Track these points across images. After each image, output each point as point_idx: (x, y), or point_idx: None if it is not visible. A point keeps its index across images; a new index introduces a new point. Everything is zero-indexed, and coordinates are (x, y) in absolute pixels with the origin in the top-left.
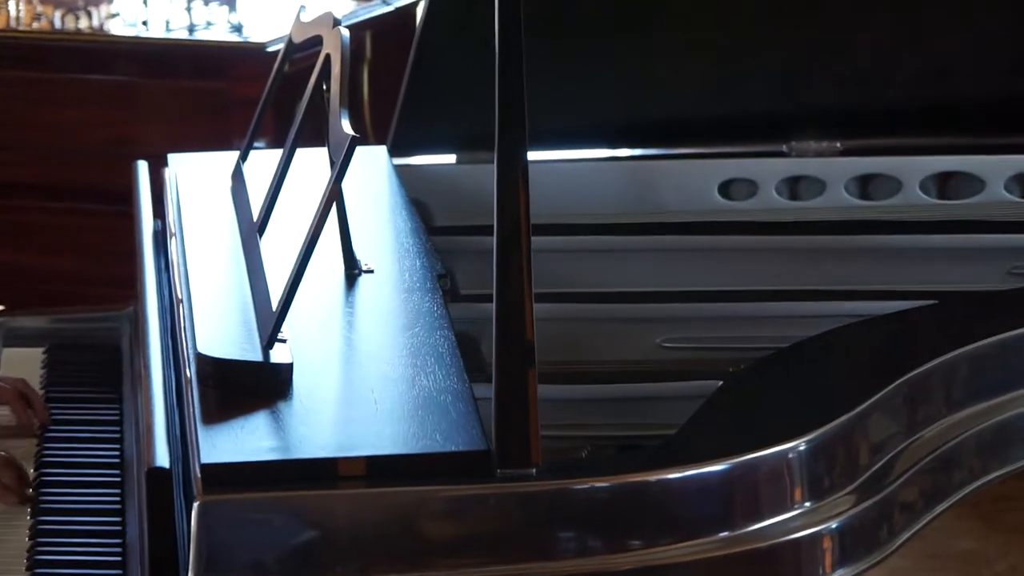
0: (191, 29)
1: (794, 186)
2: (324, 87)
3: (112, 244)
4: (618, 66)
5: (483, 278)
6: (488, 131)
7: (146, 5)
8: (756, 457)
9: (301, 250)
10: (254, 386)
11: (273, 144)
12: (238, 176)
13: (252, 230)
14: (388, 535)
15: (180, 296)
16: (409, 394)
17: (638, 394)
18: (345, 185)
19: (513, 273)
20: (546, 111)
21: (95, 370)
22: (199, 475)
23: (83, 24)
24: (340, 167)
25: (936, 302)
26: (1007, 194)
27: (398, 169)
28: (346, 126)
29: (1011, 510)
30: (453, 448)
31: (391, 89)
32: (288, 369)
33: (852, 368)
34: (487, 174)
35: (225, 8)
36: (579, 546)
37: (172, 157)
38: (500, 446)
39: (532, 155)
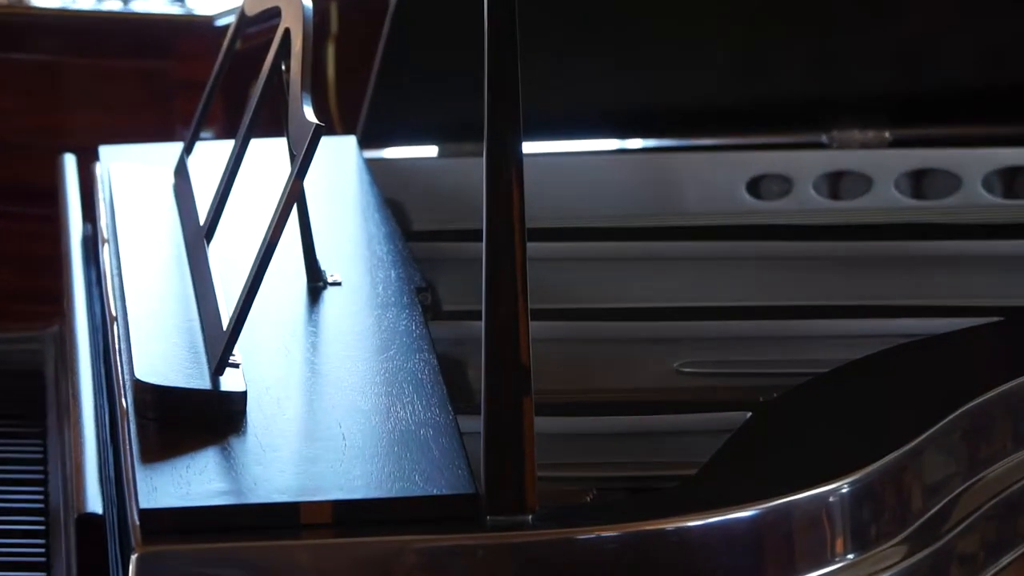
0: None
1: (835, 183)
2: (283, 67)
3: (34, 252)
4: (629, 43)
5: (470, 292)
6: (475, 119)
7: None
8: (791, 501)
9: (256, 259)
10: (202, 418)
11: (223, 134)
12: (182, 172)
13: (199, 235)
14: None
15: (114, 313)
16: (383, 428)
17: (652, 427)
18: (308, 182)
19: (505, 286)
20: (545, 96)
21: (14, 400)
22: (137, 522)
23: None
24: (302, 161)
25: (1002, 319)
26: None
27: (370, 164)
28: (309, 113)
29: None
30: (435, 491)
31: (361, 69)
32: (241, 398)
33: (903, 397)
34: (475, 169)
35: None
36: None
37: (104, 150)
38: (490, 489)
39: (528, 147)
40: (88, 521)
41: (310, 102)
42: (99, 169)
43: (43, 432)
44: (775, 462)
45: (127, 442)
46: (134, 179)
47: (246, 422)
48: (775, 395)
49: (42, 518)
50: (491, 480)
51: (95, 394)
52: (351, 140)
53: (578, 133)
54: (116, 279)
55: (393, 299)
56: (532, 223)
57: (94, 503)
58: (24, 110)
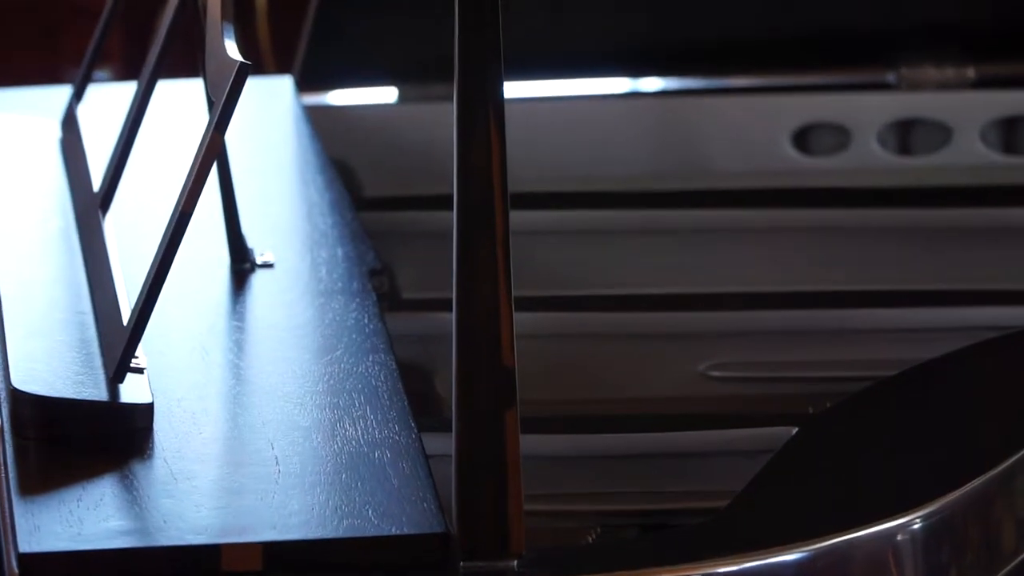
0: None
1: (905, 134)
2: None
3: None
4: None
5: (437, 275)
6: (444, 53)
7: None
8: (849, 541)
9: (165, 234)
10: (96, 438)
11: (122, 76)
12: (71, 124)
13: (92, 204)
14: None
15: None
16: (327, 449)
17: (672, 447)
18: (230, 136)
19: (482, 267)
20: (534, 22)
21: None
22: (15, 570)
23: None
24: (222, 109)
25: None
26: None
27: (310, 112)
28: (231, 48)
29: None
30: (393, 530)
31: None
32: (146, 412)
33: (990, 407)
34: (443, 118)
35: None
36: None
37: None
38: (464, 527)
39: (511, 88)
40: None
41: (233, 34)
42: None
43: None
44: (828, 490)
45: (2, 469)
46: (9, 133)
47: (153, 443)
48: (827, 405)
49: None
50: (465, 516)
51: None
52: (286, 82)
53: (577, 71)
54: None
55: (339, 285)
56: (517, 186)
57: None
58: None
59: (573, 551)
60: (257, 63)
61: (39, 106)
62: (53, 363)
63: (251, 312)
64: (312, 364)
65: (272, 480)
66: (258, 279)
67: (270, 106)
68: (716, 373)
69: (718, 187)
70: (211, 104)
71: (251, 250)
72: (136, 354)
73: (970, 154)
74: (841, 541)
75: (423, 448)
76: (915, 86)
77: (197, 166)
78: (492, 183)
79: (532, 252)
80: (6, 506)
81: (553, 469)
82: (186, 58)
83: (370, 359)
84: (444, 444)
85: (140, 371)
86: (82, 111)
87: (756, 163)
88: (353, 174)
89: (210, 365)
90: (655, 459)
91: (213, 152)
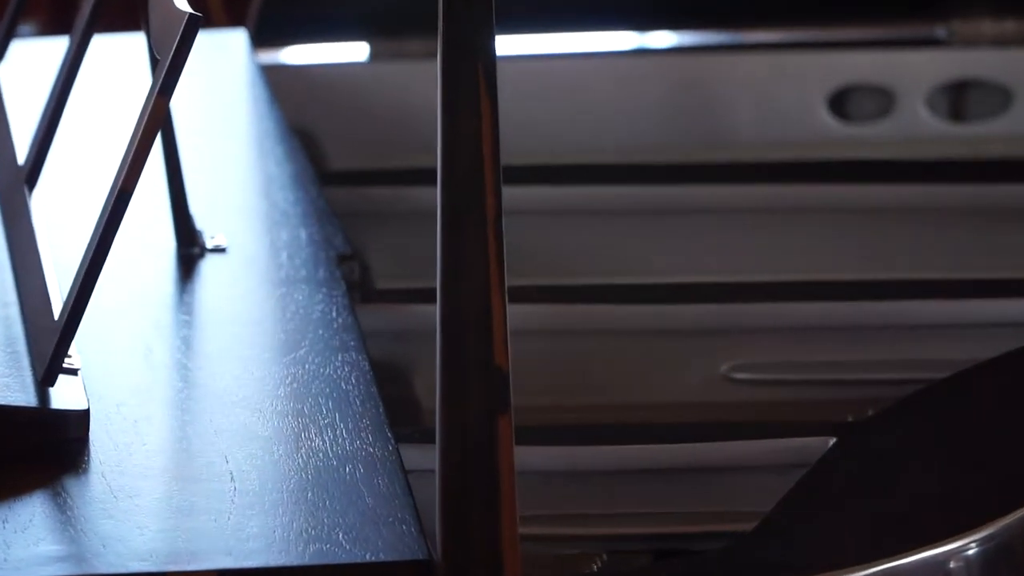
0: None
1: (958, 98)
2: None
3: None
4: None
5: (417, 260)
6: (423, 3)
7: None
8: (894, 568)
9: (102, 215)
10: (24, 449)
11: (49, 31)
12: None
13: (16, 180)
14: None
15: None
16: (290, 463)
17: (691, 461)
18: (177, 100)
19: (470, 252)
20: None
21: None
22: None
23: None
24: (168, 69)
25: None
26: None
27: (267, 72)
28: None
29: None
30: (369, 557)
31: None
32: (81, 419)
33: None
34: (423, 78)
35: None
36: None
37: None
38: (450, 554)
39: (505, 44)
40: None
41: None
42: None
43: None
44: (869, 511)
45: None
46: None
47: (89, 455)
48: (869, 412)
49: None
50: (451, 540)
51: None
52: (239, 36)
53: (579, 23)
54: None
55: (303, 272)
56: (511, 158)
57: None
58: None
59: None
60: (206, 15)
61: None
62: None
63: (201, 304)
64: (272, 365)
65: (227, 498)
66: (209, 266)
67: (221, 65)
68: (741, 375)
69: (742, 160)
70: (155, 63)
71: (200, 232)
72: (69, 353)
73: None
74: (885, 569)
75: (401, 462)
76: (969, 42)
77: (139, 135)
78: (482, 154)
79: (528, 235)
80: None
81: (553, 486)
82: (125, 9)
83: (339, 359)
84: (426, 457)
85: (74, 372)
86: (3, 72)
87: (787, 132)
88: (317, 144)
89: (154, 366)
90: (671, 475)
91: (157, 119)
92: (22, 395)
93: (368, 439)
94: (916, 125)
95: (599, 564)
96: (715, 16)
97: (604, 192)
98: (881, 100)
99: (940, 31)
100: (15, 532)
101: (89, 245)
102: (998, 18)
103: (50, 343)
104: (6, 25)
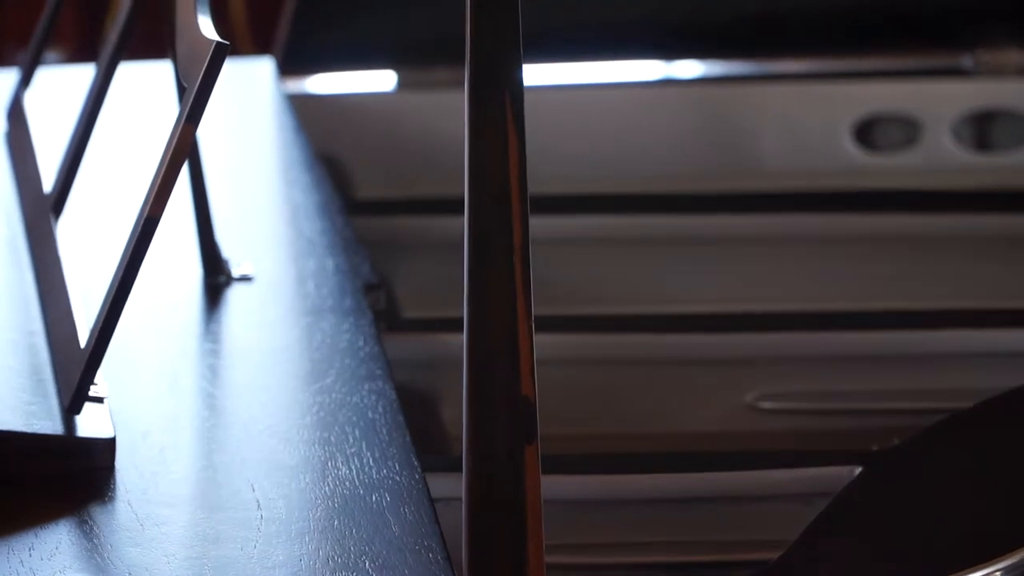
0: None
1: (984, 127)
2: None
3: None
4: None
5: (444, 290)
6: (449, 32)
7: None
8: None
9: (129, 243)
10: (50, 477)
11: (77, 58)
12: (17, 114)
13: (43, 208)
14: None
15: None
16: (317, 492)
17: (716, 490)
18: (204, 128)
19: (497, 281)
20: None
21: None
22: None
23: None
24: (195, 97)
25: None
26: None
27: (294, 101)
28: (206, 25)
29: None
30: None
31: None
32: (108, 448)
33: None
34: (450, 107)
35: None
36: None
37: None
38: None
39: (532, 74)
40: None
41: (208, 10)
42: None
43: None
44: (896, 541)
45: None
46: None
47: (115, 483)
48: (895, 441)
49: None
50: (477, 569)
51: None
52: (266, 65)
53: (605, 52)
54: None
55: (330, 302)
56: (538, 187)
57: None
58: None
59: None
60: (232, 43)
61: None
62: None
63: (228, 333)
64: (299, 393)
65: (253, 527)
66: (235, 294)
67: (248, 93)
68: (767, 404)
69: (768, 189)
70: (182, 91)
71: (227, 261)
72: (95, 381)
73: None
74: None
75: (428, 490)
76: (995, 72)
77: (166, 163)
78: (509, 184)
79: (555, 264)
80: None
81: (579, 515)
82: (152, 37)
83: (366, 387)
84: (452, 486)
85: (100, 400)
86: (30, 99)
87: (812, 161)
88: (344, 172)
89: (181, 394)
90: (696, 504)
91: (184, 146)
92: (48, 423)
93: (395, 468)
94: (941, 155)
95: None
96: (741, 46)
97: (631, 222)
98: (907, 130)
99: (966, 61)
100: (41, 560)
101: (116, 273)
102: None
103: (76, 371)
104: (33, 52)
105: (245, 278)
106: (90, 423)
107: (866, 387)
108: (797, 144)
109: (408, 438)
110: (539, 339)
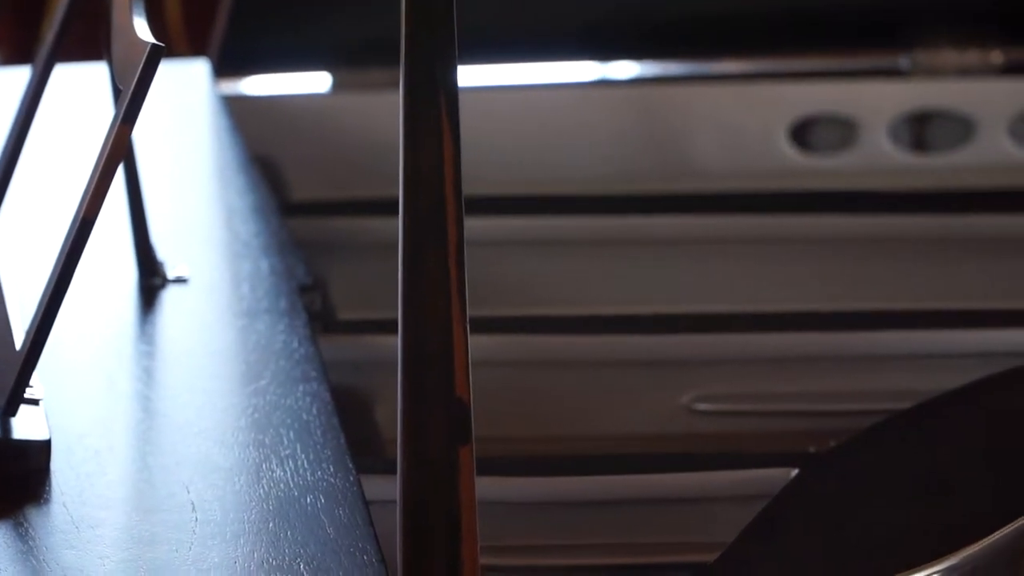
0: None
1: (921, 128)
2: None
3: None
4: None
5: (379, 291)
6: (386, 34)
7: None
8: None
9: (64, 244)
10: None
11: (11, 60)
12: None
13: None
14: None
15: None
16: (252, 494)
17: (652, 492)
18: (139, 130)
19: (432, 283)
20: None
21: None
22: None
23: None
24: (131, 99)
25: None
26: None
27: (229, 102)
28: (142, 27)
29: None
30: None
31: None
32: (44, 450)
33: (1019, 445)
34: (385, 109)
35: None
36: None
37: None
38: None
39: (467, 74)
40: None
41: (143, 12)
42: None
43: None
44: (831, 543)
45: None
46: None
47: (50, 486)
48: (831, 444)
49: None
50: (411, 571)
51: None
52: (201, 67)
53: (541, 53)
54: None
55: (265, 303)
56: (473, 189)
57: None
58: None
59: None
60: (168, 45)
61: None
62: None
63: (163, 335)
64: (234, 395)
65: (188, 529)
66: (170, 296)
67: (183, 95)
68: (702, 406)
69: (704, 190)
70: (117, 92)
71: (162, 263)
72: (31, 383)
73: (996, 152)
74: None
75: (363, 492)
76: (932, 72)
77: (101, 165)
78: (444, 185)
79: (490, 265)
80: None
81: (515, 517)
82: (88, 39)
83: (300, 389)
84: (387, 488)
85: (36, 403)
86: None
87: (748, 162)
88: (279, 174)
89: (116, 396)
90: (632, 506)
91: (120, 148)
92: None
93: (329, 470)
94: (878, 156)
95: None
96: (676, 46)
97: (566, 223)
98: (843, 131)
99: (903, 61)
100: None
101: (51, 275)
102: (960, 48)
103: (12, 373)
104: None
105: (180, 280)
106: (26, 425)
107: (803, 389)
108: (733, 145)
109: (343, 440)
110: (474, 341)
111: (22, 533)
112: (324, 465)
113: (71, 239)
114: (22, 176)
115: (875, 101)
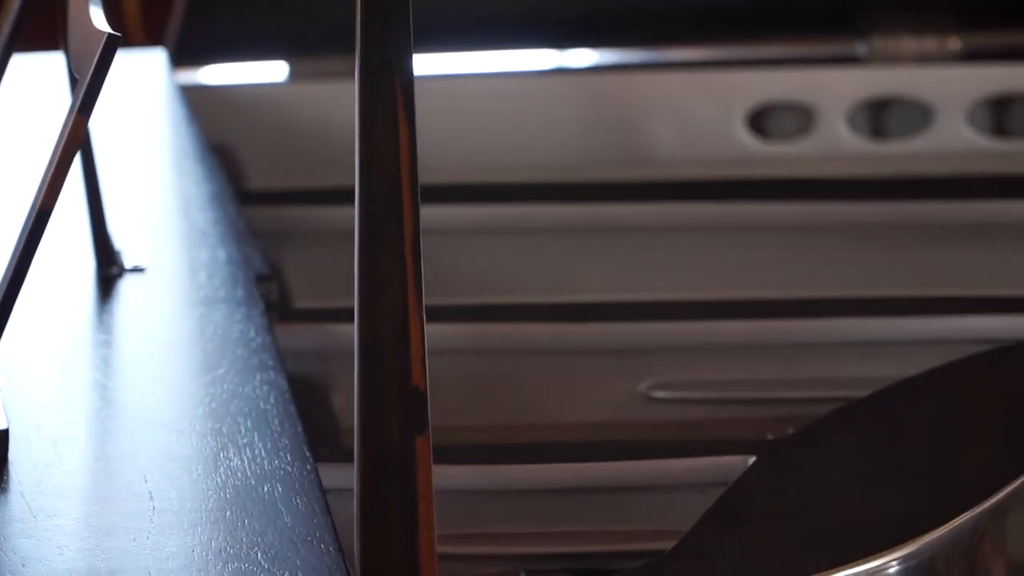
0: None
1: (878, 115)
2: None
3: None
4: None
5: (336, 281)
6: (340, 22)
7: None
8: None
9: (21, 235)
10: None
11: None
12: None
13: None
14: None
15: None
16: (209, 483)
17: (609, 480)
18: (96, 119)
19: (388, 271)
20: None
21: None
22: None
23: None
24: (87, 89)
25: None
26: None
27: (186, 92)
28: (98, 17)
29: None
30: (286, 575)
31: None
32: (1, 439)
33: (976, 432)
34: (342, 98)
35: None
36: None
37: None
38: (368, 572)
39: (423, 63)
40: None
41: (100, 2)
42: None
43: None
44: (789, 530)
45: None
46: None
47: (8, 475)
48: (789, 431)
49: None
50: (369, 559)
51: None
52: (158, 56)
53: (500, 42)
54: None
55: (222, 292)
56: (429, 177)
57: None
58: None
59: None
60: (124, 34)
61: None
62: None
63: (120, 324)
64: (191, 384)
65: (146, 518)
66: (128, 286)
67: (140, 85)
68: (660, 394)
69: (661, 178)
70: (74, 82)
71: (119, 252)
72: None
73: (954, 138)
74: None
75: (320, 481)
76: (889, 59)
77: (58, 154)
78: (399, 173)
79: (446, 254)
80: None
81: (472, 505)
82: (45, 28)
83: (258, 378)
84: (344, 476)
85: None
86: None
87: (705, 150)
88: (236, 163)
89: (74, 386)
90: (589, 494)
91: (76, 138)
92: None
93: (286, 458)
94: (836, 143)
95: None
96: (634, 34)
97: (522, 211)
98: (801, 118)
99: (860, 48)
100: None
101: (8, 265)
102: (917, 35)
103: None
104: None
105: (137, 269)
106: None
107: (760, 376)
108: (691, 133)
109: (300, 428)
110: (430, 329)
111: None
112: (281, 454)
113: (28, 229)
114: None
115: (833, 88)
